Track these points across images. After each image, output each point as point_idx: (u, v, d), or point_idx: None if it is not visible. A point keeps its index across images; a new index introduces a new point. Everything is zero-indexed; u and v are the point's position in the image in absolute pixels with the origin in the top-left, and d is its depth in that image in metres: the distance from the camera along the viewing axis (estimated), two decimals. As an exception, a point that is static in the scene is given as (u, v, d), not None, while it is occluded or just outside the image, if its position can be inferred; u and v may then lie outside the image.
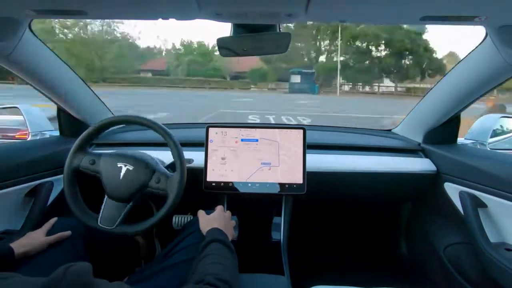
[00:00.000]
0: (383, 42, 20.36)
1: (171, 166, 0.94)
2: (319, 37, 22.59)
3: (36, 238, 0.75)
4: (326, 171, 1.11)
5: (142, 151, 0.92)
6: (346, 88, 22.66)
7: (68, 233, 0.79)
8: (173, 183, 0.83)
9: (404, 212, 1.38)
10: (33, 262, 0.71)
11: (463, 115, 1.10)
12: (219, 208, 0.86)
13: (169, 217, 1.01)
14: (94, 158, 0.87)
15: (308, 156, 1.02)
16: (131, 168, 0.84)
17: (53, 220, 0.82)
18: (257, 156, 1.03)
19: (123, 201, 0.84)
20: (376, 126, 1.49)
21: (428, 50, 19.96)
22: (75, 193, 0.85)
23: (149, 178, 0.84)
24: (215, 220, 0.79)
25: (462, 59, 0.95)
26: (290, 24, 0.75)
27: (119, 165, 0.84)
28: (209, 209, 0.87)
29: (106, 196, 0.85)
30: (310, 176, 1.02)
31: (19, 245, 0.71)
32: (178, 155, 0.85)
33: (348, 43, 21.37)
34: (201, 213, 0.84)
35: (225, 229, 0.75)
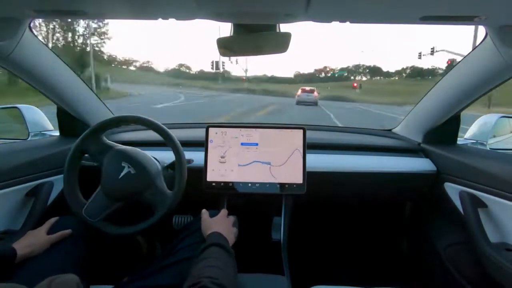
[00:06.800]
0: None
1: (171, 166, 0.94)
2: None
3: (38, 237, 0.75)
4: (326, 171, 1.11)
5: (150, 155, 0.92)
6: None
7: (69, 231, 0.79)
8: (165, 202, 0.83)
9: (404, 212, 1.38)
10: (34, 262, 0.71)
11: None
12: (223, 212, 0.85)
13: (173, 213, 1.00)
14: (104, 148, 0.87)
15: (308, 156, 1.02)
16: (133, 171, 0.83)
17: (54, 219, 0.82)
18: (257, 156, 1.03)
19: (113, 198, 0.84)
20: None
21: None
22: (74, 175, 0.86)
23: (145, 188, 0.84)
24: (217, 223, 0.79)
25: (462, 58, 0.95)
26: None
27: (122, 165, 0.84)
28: (210, 209, 0.87)
29: (99, 188, 0.85)
30: (310, 176, 1.02)
31: (22, 246, 0.71)
32: (178, 156, 0.85)
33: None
34: (205, 214, 0.84)
35: (226, 234, 0.75)
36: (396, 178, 1.14)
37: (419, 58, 24.68)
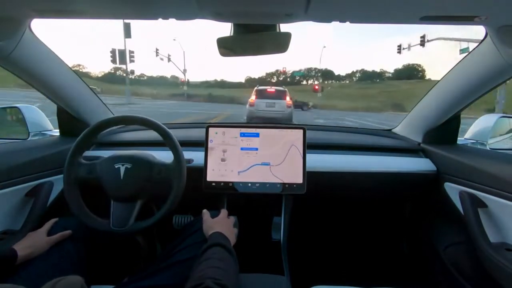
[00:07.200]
0: None
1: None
2: None
3: (39, 239, 0.75)
4: (326, 171, 1.11)
5: (136, 150, 0.92)
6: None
7: (69, 232, 0.79)
8: (174, 170, 0.85)
9: (404, 212, 1.38)
10: (35, 263, 0.71)
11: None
12: (223, 212, 0.86)
13: (173, 213, 1.01)
14: (89, 167, 0.86)
15: (308, 156, 1.02)
16: (129, 166, 0.84)
17: (53, 220, 0.82)
18: (257, 156, 1.03)
19: (129, 200, 0.84)
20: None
21: None
22: (80, 204, 0.85)
23: (149, 171, 0.85)
24: (218, 224, 0.79)
25: (462, 58, 0.95)
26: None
27: (117, 166, 0.84)
28: (210, 209, 0.87)
29: (112, 202, 0.84)
30: (310, 176, 1.02)
31: (22, 247, 0.71)
32: (177, 155, 0.85)
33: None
34: (206, 214, 0.84)
35: (227, 235, 0.75)
36: (396, 178, 1.14)
37: (398, 52, 19.90)
